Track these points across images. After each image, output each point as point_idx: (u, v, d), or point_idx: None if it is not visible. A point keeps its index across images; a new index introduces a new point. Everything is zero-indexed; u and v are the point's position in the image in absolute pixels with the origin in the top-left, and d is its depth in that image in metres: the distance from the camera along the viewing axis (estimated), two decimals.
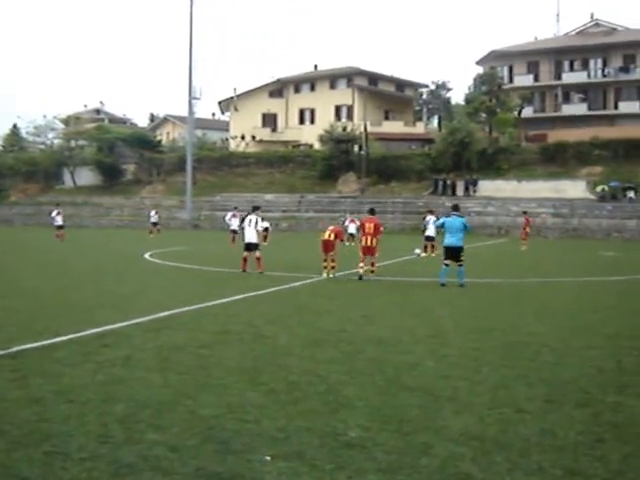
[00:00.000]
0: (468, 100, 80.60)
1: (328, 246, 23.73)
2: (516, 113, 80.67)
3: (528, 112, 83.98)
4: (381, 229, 23.74)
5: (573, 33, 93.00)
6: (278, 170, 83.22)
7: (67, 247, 39.35)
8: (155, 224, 54.85)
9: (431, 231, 36.21)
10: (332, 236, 23.92)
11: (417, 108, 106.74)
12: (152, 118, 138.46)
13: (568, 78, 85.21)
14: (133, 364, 10.02)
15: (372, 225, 23.32)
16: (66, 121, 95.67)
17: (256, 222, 24.98)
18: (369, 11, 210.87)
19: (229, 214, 48.41)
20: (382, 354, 11.01)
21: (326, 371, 9.71)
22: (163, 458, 6.33)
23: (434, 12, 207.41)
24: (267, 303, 17.23)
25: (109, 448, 6.56)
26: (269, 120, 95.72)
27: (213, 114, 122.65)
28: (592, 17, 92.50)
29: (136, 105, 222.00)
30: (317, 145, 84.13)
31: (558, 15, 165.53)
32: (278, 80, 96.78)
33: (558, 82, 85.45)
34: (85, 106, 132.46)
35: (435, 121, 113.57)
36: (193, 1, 73.66)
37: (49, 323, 13.29)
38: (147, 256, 32.25)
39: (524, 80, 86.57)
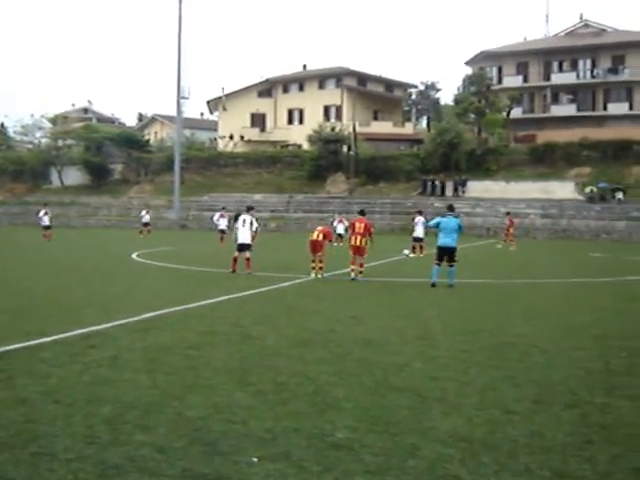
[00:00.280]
0: (457, 101, 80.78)
1: (316, 247, 23.73)
2: (505, 114, 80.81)
3: (517, 113, 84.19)
4: (372, 230, 23.72)
5: (562, 34, 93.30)
6: (266, 170, 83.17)
7: (54, 247, 39.24)
8: (146, 224, 54.84)
9: (419, 232, 36.26)
10: (320, 237, 23.94)
11: (406, 108, 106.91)
12: (140, 118, 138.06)
13: (557, 79, 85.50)
14: (120, 365, 9.97)
15: (362, 225, 23.33)
16: (54, 120, 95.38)
17: (251, 223, 24.86)
18: (358, 11, 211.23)
19: (217, 214, 48.44)
20: (371, 355, 11.00)
21: (314, 372, 9.68)
22: (150, 459, 6.30)
23: (423, 12, 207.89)
24: (255, 303, 17.21)
25: (96, 449, 6.53)
26: (258, 120, 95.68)
27: (202, 114, 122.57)
28: (581, 18, 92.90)
29: (124, 104, 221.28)
30: (306, 145, 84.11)
31: (547, 16, 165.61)
32: (267, 80, 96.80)
33: (547, 83, 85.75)
34: (73, 105, 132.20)
35: (424, 122, 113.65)
36: (182, 0, 73.49)
37: (36, 323, 13.22)
38: (135, 256, 32.17)
39: (513, 81, 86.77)
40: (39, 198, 79.23)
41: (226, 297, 17.82)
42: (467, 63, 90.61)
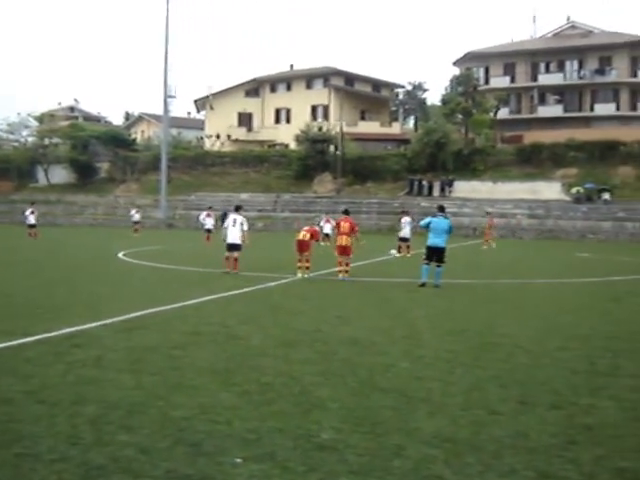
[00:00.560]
0: (444, 101, 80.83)
1: (303, 246, 23.73)
2: (492, 114, 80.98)
3: (504, 113, 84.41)
4: (356, 228, 23.76)
5: (549, 35, 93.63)
6: (253, 170, 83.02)
7: (40, 246, 39.08)
8: (136, 223, 54.95)
9: (406, 232, 36.27)
10: (307, 236, 23.94)
11: (393, 108, 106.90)
12: (127, 116, 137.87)
13: (544, 80, 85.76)
14: (105, 365, 9.93)
15: (347, 225, 23.38)
16: (40, 119, 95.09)
17: (241, 223, 24.80)
18: (346, 11, 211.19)
19: (203, 213, 48.50)
20: (356, 355, 10.99)
21: (300, 372, 9.67)
22: (134, 460, 6.27)
23: (411, 12, 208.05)
24: (241, 303, 17.19)
25: (79, 450, 6.50)
26: (245, 119, 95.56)
27: (188, 113, 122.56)
28: (568, 19, 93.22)
29: (111, 103, 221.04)
30: (293, 145, 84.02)
31: (535, 17, 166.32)
32: (254, 79, 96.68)
33: (534, 84, 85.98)
34: (59, 104, 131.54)
35: (411, 122, 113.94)
36: None
37: (19, 323, 13.15)
38: (121, 255, 32.07)
39: (500, 81, 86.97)
40: (25, 196, 79.05)
41: (212, 297, 17.78)
42: (454, 63, 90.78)
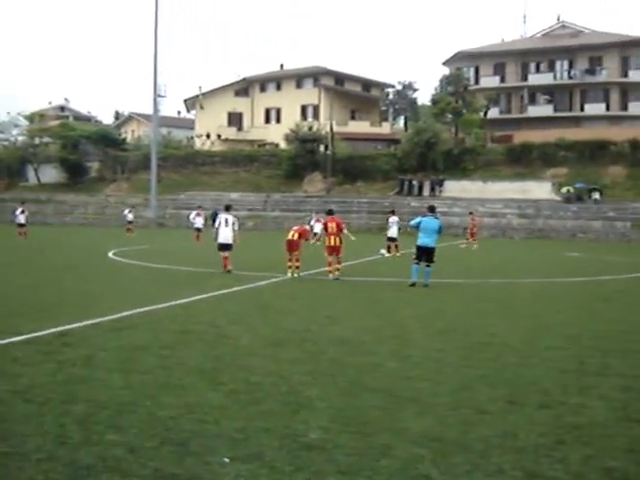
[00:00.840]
0: (434, 101, 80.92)
1: (292, 246, 23.74)
2: (482, 114, 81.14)
3: (494, 113, 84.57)
4: (343, 226, 23.80)
5: (539, 35, 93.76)
6: (243, 169, 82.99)
7: (30, 245, 38.96)
8: (130, 222, 54.96)
9: (393, 232, 36.28)
10: (296, 236, 23.96)
11: (383, 108, 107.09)
12: (117, 116, 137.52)
13: (534, 80, 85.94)
14: (94, 364, 9.92)
15: (334, 224, 23.40)
16: (30, 118, 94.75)
17: (233, 222, 24.82)
18: (336, 11, 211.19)
19: (193, 213, 48.52)
20: (345, 354, 10.99)
21: (288, 372, 9.67)
22: (121, 459, 6.26)
23: (401, 12, 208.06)
24: (231, 302, 17.18)
25: (67, 449, 6.49)
26: (235, 119, 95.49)
27: (179, 112, 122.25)
28: (558, 19, 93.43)
29: (101, 102, 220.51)
30: (283, 144, 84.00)
31: (525, 17, 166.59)
32: (244, 79, 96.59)
33: (524, 83, 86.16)
34: (50, 103, 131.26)
35: (401, 121, 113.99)
36: None
37: (8, 322, 13.13)
38: (111, 254, 32.01)
39: (490, 81, 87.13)
40: (15, 196, 78.71)
41: (202, 296, 17.76)
42: (444, 63, 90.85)
